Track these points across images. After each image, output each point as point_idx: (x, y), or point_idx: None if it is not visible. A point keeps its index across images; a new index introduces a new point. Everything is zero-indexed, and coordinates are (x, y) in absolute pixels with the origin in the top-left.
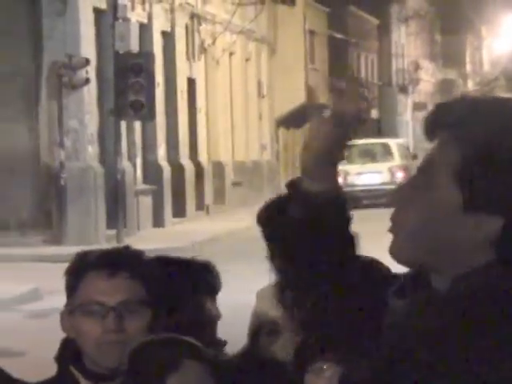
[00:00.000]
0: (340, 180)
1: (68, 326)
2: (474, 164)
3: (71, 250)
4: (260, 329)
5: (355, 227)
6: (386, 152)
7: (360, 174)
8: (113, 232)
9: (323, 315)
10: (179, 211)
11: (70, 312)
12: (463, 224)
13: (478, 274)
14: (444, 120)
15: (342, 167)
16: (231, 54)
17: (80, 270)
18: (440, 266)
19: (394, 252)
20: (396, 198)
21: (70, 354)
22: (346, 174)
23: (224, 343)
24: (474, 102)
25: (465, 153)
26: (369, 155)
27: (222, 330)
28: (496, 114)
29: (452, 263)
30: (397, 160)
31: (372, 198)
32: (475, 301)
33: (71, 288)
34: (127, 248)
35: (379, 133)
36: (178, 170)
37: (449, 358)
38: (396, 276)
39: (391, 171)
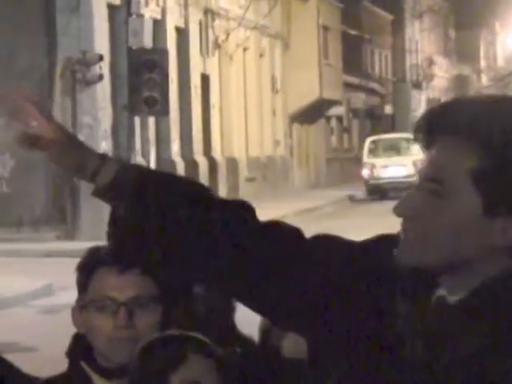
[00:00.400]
0: (367, 172)
1: (79, 321)
2: (492, 167)
3: (84, 245)
4: (272, 325)
5: (382, 219)
6: (410, 146)
7: (386, 167)
8: None
9: None
10: None
11: (82, 308)
12: (487, 229)
13: (501, 282)
14: (448, 124)
15: (368, 160)
16: (245, 49)
17: (91, 265)
18: (457, 270)
19: (418, 254)
20: (410, 204)
21: (81, 349)
22: (373, 167)
23: (251, 340)
24: (479, 103)
25: (481, 156)
26: (394, 149)
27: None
28: (505, 114)
29: (470, 268)
30: (420, 154)
31: (397, 190)
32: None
33: (82, 284)
34: None
35: (393, 128)
36: (191, 165)
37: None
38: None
39: (415, 164)
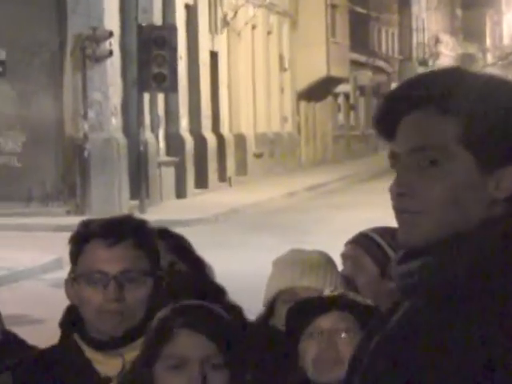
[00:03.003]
0: None
1: (72, 293)
2: (478, 133)
3: None
4: (277, 296)
5: (385, 195)
6: None
7: None
8: (136, 202)
9: None
10: (201, 182)
11: (74, 280)
12: (484, 187)
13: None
14: (423, 95)
15: None
16: (253, 27)
17: (83, 238)
18: (463, 228)
19: (418, 230)
20: (404, 180)
21: (72, 321)
22: None
23: (239, 308)
24: (447, 74)
25: (466, 124)
26: None
27: (244, 299)
28: (477, 82)
29: (473, 224)
30: None
31: None
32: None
33: (75, 256)
34: (130, 217)
35: None
36: (200, 141)
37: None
38: None
39: None
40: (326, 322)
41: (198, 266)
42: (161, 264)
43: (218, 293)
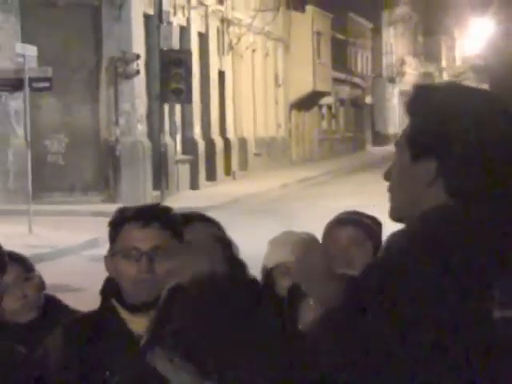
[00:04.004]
0: None
1: (110, 267)
2: (413, 128)
3: None
4: (273, 269)
5: (362, 187)
6: None
7: None
8: (157, 193)
9: None
10: (211, 176)
11: (112, 256)
12: (417, 173)
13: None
14: (407, 107)
15: None
16: (253, 50)
17: (120, 221)
18: (413, 211)
19: (390, 207)
20: (386, 171)
21: (111, 289)
22: None
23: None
24: (421, 89)
25: (412, 125)
26: None
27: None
28: (433, 93)
29: (418, 205)
30: None
31: None
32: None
33: (112, 236)
34: (158, 204)
35: (372, 115)
36: (209, 143)
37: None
38: None
39: None
40: None
41: (224, 244)
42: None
43: (241, 266)
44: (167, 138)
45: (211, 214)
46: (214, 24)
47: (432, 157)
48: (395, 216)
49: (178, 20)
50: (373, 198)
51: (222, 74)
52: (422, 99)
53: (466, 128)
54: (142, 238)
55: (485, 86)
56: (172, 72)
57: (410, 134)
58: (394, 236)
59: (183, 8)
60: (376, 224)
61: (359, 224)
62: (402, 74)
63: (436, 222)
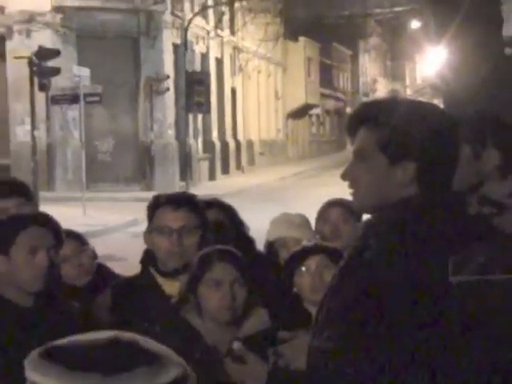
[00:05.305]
0: None
1: (148, 241)
2: (386, 137)
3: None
4: (274, 242)
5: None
6: None
7: None
8: (183, 183)
9: None
10: (225, 170)
11: (149, 232)
12: (394, 174)
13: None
14: (362, 119)
15: None
16: (258, 72)
17: (156, 205)
18: (382, 205)
19: (357, 202)
20: (348, 172)
21: (149, 259)
22: None
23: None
24: (376, 105)
25: (381, 133)
26: None
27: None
28: (392, 108)
29: (389, 201)
30: None
31: None
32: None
33: (151, 216)
34: (184, 192)
35: None
36: (224, 144)
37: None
38: None
39: None
40: (312, 261)
41: (237, 224)
42: (209, 220)
43: (249, 241)
44: (191, 141)
45: (226, 200)
46: (227, 51)
47: (410, 159)
48: (362, 210)
49: (199, 48)
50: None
51: (233, 91)
52: (387, 112)
53: (427, 134)
54: (172, 218)
55: (439, 100)
56: (195, 89)
57: (382, 142)
58: (374, 226)
59: (204, 39)
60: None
61: (344, 205)
62: (374, 90)
63: (409, 211)
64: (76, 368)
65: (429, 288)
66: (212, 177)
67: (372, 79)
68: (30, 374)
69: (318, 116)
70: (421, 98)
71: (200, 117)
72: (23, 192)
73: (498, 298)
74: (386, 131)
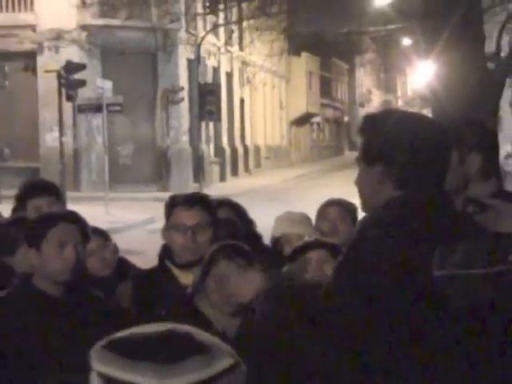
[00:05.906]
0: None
1: (165, 237)
2: (367, 142)
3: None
4: (279, 238)
5: (341, 179)
6: None
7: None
8: (197, 185)
9: None
10: (234, 173)
11: (166, 229)
12: (372, 174)
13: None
14: (359, 130)
15: None
16: (264, 84)
17: (172, 204)
18: (372, 203)
19: (360, 205)
20: (355, 178)
21: (166, 253)
22: None
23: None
24: (367, 117)
25: (364, 141)
26: None
27: None
28: (377, 120)
29: (375, 198)
30: None
31: None
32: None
33: (168, 214)
34: (198, 193)
35: (348, 131)
36: (233, 149)
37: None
38: None
39: None
40: (313, 255)
41: (246, 221)
42: (220, 218)
43: (257, 237)
44: (203, 146)
45: (235, 200)
46: (236, 65)
47: (380, 163)
48: (364, 209)
49: (211, 62)
50: (349, 188)
51: (242, 101)
52: (369, 123)
53: (402, 141)
54: (187, 216)
55: (428, 109)
56: (207, 99)
57: (362, 147)
58: (366, 223)
59: (215, 54)
60: (352, 205)
61: (342, 205)
62: (369, 100)
63: (391, 212)
64: (135, 358)
65: (412, 281)
66: (222, 178)
67: (367, 90)
68: (95, 364)
69: (318, 124)
70: (411, 109)
71: (211, 124)
72: (54, 192)
73: (480, 290)
74: (365, 139)
